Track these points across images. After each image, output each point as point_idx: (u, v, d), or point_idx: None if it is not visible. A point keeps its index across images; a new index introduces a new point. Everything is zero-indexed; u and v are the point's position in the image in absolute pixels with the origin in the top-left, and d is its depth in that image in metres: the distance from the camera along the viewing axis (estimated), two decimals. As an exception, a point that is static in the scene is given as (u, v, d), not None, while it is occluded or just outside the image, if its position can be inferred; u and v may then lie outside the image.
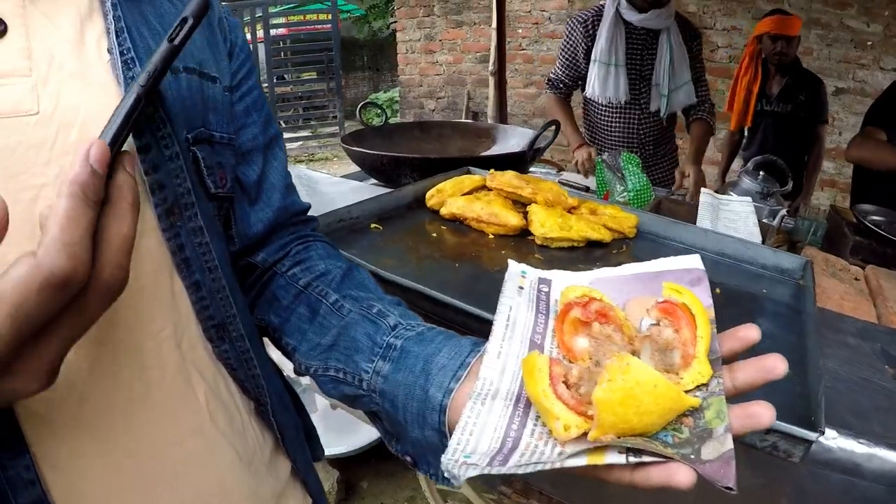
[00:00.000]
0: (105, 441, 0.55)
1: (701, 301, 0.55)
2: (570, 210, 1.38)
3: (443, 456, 0.48)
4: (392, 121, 8.29)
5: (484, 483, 1.18)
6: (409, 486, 2.57)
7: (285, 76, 10.19)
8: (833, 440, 0.85)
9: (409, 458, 0.67)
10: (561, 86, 2.91)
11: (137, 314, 0.55)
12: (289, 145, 8.75)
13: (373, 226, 1.31)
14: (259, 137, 0.75)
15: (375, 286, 0.76)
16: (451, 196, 1.40)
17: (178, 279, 0.59)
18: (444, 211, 1.38)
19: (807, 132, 3.52)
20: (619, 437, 0.45)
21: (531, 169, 2.82)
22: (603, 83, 2.68)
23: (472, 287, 1.06)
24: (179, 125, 0.59)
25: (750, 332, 0.52)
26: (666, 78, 2.62)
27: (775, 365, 0.48)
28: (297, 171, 2.20)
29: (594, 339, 0.54)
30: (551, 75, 2.95)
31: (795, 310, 1.14)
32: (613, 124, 2.83)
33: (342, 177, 2.28)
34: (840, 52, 4.86)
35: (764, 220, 1.97)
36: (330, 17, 8.96)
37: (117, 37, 0.55)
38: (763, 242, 1.64)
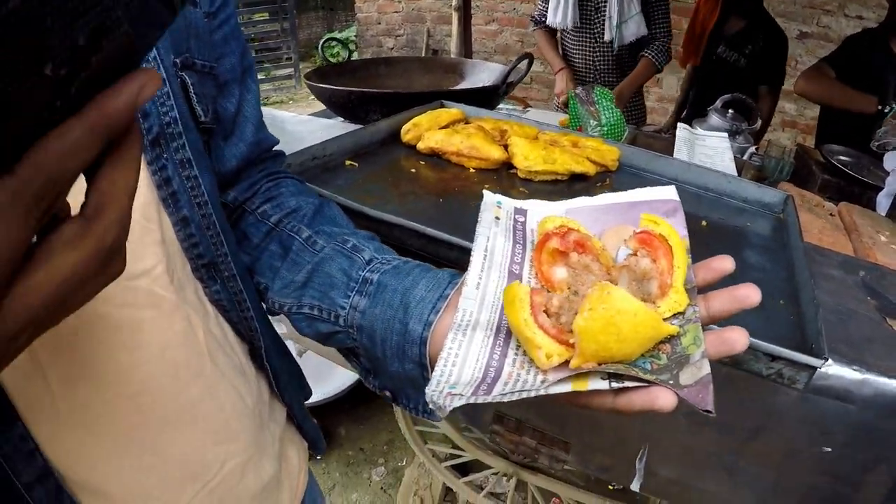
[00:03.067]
0: (104, 390, 0.51)
1: (677, 232, 0.56)
2: (552, 143, 1.33)
3: (427, 388, 0.48)
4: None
5: (471, 421, 1.17)
6: (387, 429, 2.57)
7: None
8: (829, 367, 0.86)
9: (388, 393, 0.66)
10: (542, 20, 3.10)
11: (128, 251, 0.51)
12: (242, 88, 8.48)
13: (348, 163, 1.25)
14: (237, 67, 0.71)
15: (347, 222, 0.74)
16: (427, 130, 1.34)
17: (164, 215, 0.55)
18: (421, 146, 1.32)
19: (754, 89, 3.17)
20: (600, 365, 0.46)
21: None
22: (555, 10, 2.92)
23: (461, 222, 1.01)
24: (166, 48, 0.55)
25: (724, 263, 0.52)
26: (615, 9, 2.79)
27: (748, 294, 0.48)
28: (263, 111, 2.11)
29: (572, 269, 0.54)
30: (534, 12, 3.17)
31: (781, 243, 1.14)
32: (573, 52, 3.08)
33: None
34: (806, -2, 4.87)
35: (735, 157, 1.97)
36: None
37: None
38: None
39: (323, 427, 2.50)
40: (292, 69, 8.83)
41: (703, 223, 1.15)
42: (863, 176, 2.20)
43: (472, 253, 0.58)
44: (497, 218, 0.62)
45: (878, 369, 0.87)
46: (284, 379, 0.76)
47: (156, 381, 0.55)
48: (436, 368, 0.50)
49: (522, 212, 0.64)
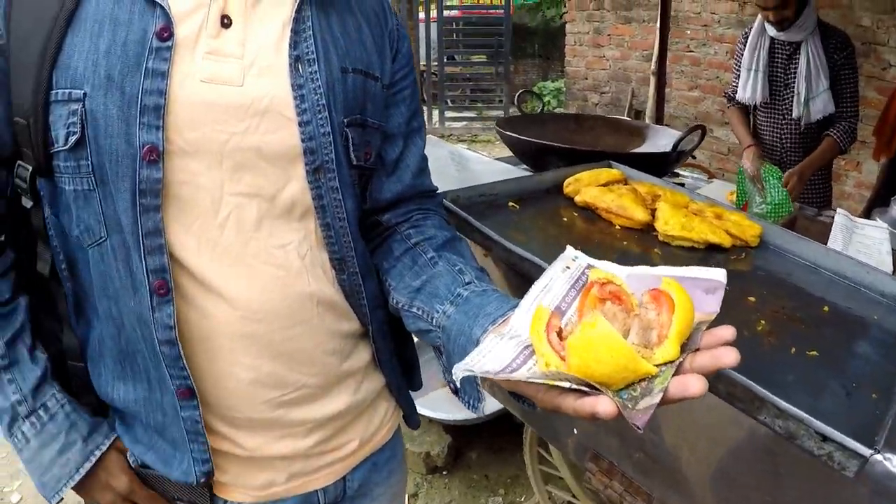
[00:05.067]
0: (241, 307, 0.79)
1: (693, 299, 0.63)
2: (697, 213, 1.44)
3: (456, 364, 0.63)
4: (558, 110, 8.34)
5: (576, 457, 1.27)
6: (515, 464, 2.65)
7: (455, 57, 10.50)
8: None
9: (452, 386, 0.84)
10: (735, 98, 3.12)
11: (275, 231, 0.80)
12: (453, 125, 9.18)
13: (510, 204, 1.44)
14: (402, 126, 0.96)
15: (471, 255, 0.94)
16: (587, 185, 1.51)
17: (313, 218, 0.83)
18: (578, 199, 1.49)
19: None
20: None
21: (681, 172, 2.87)
22: (744, 86, 2.98)
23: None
24: (338, 112, 0.82)
25: (725, 333, 0.60)
26: (804, 85, 2.79)
27: (723, 355, 0.57)
28: (452, 149, 2.38)
29: (603, 314, 0.63)
30: (727, 89, 3.23)
31: (906, 341, 1.10)
32: (762, 128, 3.08)
33: (496, 159, 2.43)
34: None
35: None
36: (503, 2, 9.25)
37: (300, 43, 0.78)
38: (895, 272, 1.60)
39: (457, 447, 2.68)
40: (502, 111, 9.25)
41: (825, 308, 1.18)
42: None
43: (533, 285, 0.71)
44: (567, 267, 0.73)
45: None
46: (385, 357, 0.98)
47: (273, 314, 0.81)
48: (469, 354, 0.65)
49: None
